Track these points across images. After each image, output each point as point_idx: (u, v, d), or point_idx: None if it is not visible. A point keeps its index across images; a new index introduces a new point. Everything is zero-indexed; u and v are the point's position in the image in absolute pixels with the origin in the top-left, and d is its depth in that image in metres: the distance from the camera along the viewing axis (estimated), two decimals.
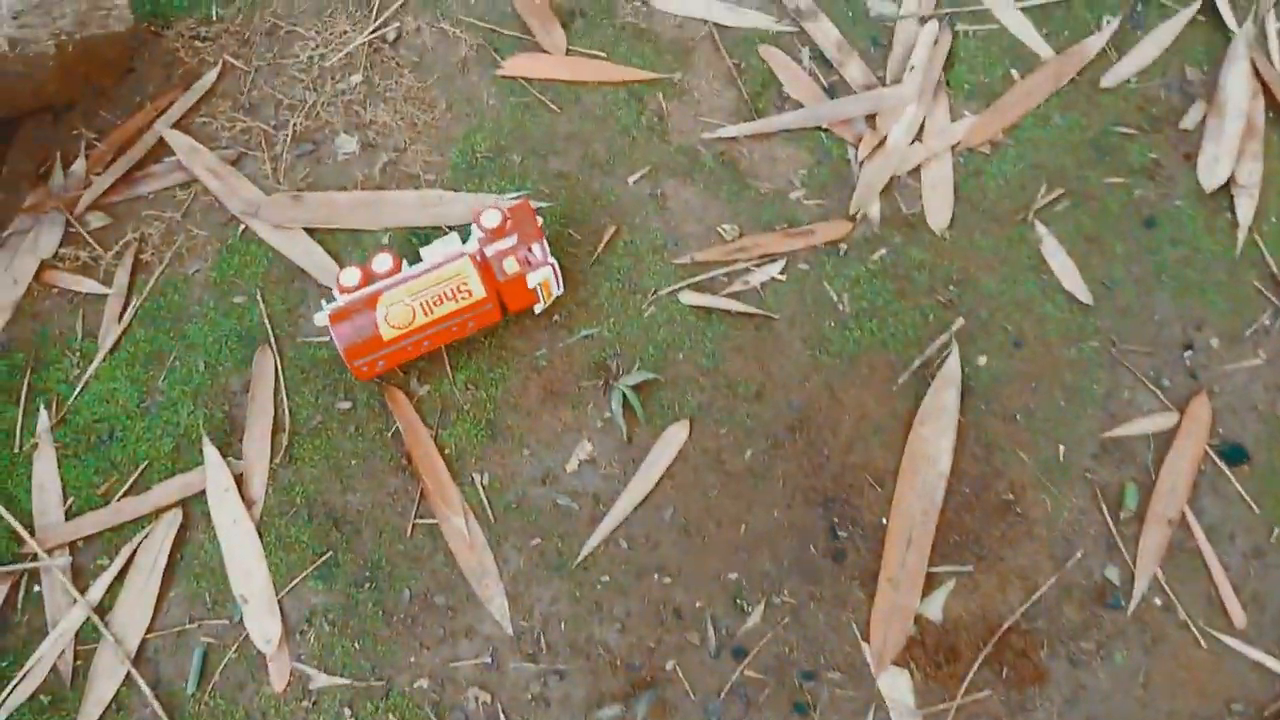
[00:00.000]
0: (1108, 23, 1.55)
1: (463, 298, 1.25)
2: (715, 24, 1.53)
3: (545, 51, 1.51)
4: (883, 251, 1.42)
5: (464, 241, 1.32)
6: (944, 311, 1.38)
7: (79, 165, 1.44)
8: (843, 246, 1.42)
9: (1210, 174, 1.46)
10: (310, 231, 1.40)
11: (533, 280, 1.27)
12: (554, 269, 1.28)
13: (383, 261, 1.27)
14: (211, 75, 1.48)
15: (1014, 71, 1.52)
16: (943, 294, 1.39)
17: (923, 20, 1.55)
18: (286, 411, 1.31)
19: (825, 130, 1.49)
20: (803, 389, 1.34)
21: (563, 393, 1.33)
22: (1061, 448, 1.31)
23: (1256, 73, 1.53)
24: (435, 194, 1.43)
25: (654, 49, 1.52)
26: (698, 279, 1.39)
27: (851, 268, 1.41)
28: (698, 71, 1.52)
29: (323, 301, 1.30)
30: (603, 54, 1.52)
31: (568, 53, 1.52)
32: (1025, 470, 1.29)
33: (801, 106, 1.50)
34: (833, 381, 1.34)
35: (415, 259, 1.35)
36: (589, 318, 1.37)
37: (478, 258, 1.28)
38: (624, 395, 1.31)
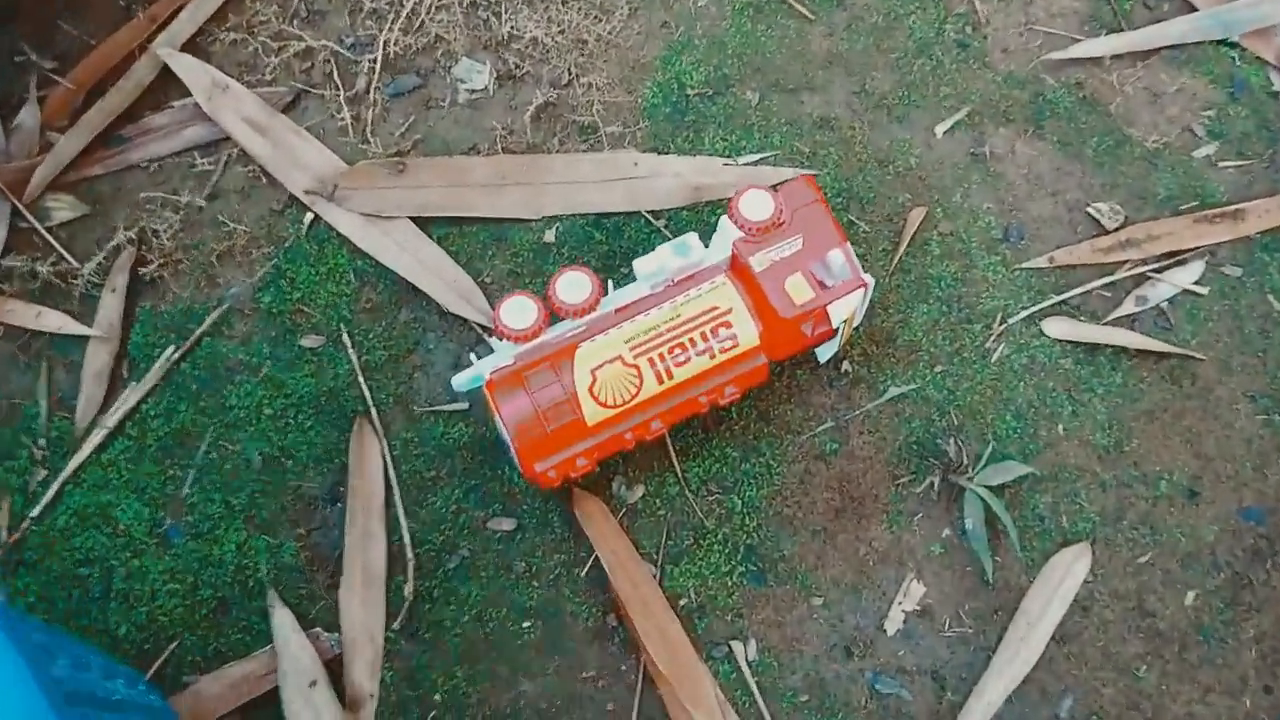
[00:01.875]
0: None
1: (724, 347, 0.70)
2: None
3: None
4: None
5: (705, 246, 0.76)
6: None
7: (28, 115, 0.86)
8: None
9: None
10: (422, 224, 0.84)
11: (838, 313, 0.71)
12: (867, 291, 0.73)
13: (575, 286, 0.71)
14: None
15: None
16: None
17: None
18: (407, 538, 0.76)
19: (1234, 45, 0.92)
20: (1265, 482, 0.79)
21: (868, 495, 0.78)
22: None
23: None
24: (626, 156, 0.86)
25: None
26: (1066, 295, 0.84)
27: None
28: None
29: (470, 354, 0.74)
30: None
31: None
32: None
33: (1193, 9, 0.93)
34: None
35: (621, 277, 0.79)
36: (898, 364, 0.82)
37: (736, 276, 0.73)
38: (980, 501, 0.77)
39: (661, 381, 0.70)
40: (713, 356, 0.71)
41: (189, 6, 0.88)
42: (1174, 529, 0.79)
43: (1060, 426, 0.81)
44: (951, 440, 0.79)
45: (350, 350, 0.81)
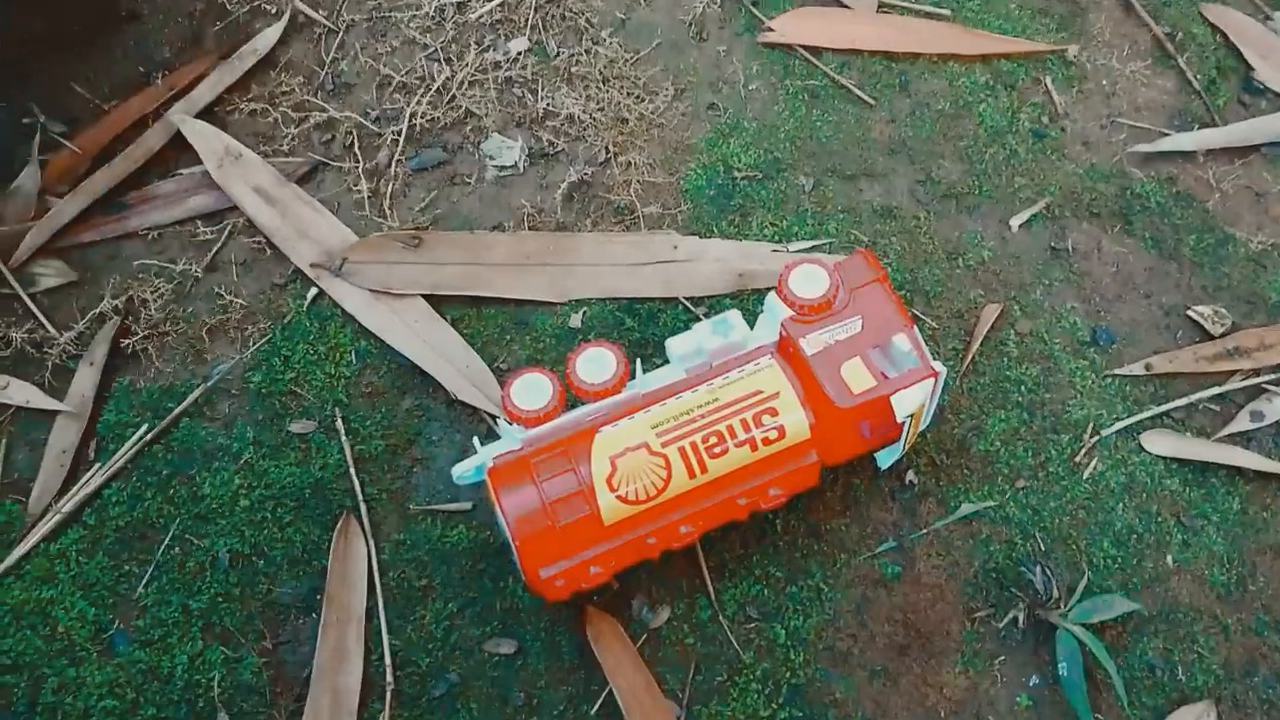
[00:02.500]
0: None
1: (767, 437, 0.59)
2: None
3: (843, 5, 0.87)
4: None
5: (750, 326, 0.66)
6: None
7: (28, 178, 0.80)
8: None
9: None
10: (436, 303, 0.75)
11: (903, 406, 0.60)
12: (938, 383, 0.62)
13: (597, 364, 0.62)
14: (272, 33, 0.85)
15: None
16: None
17: None
18: (388, 657, 0.64)
19: None
20: None
21: (937, 631, 0.65)
22: None
23: None
24: (664, 239, 0.78)
25: (1023, 8, 0.88)
26: (1168, 407, 0.72)
27: None
28: (1103, 42, 0.87)
29: (475, 441, 0.64)
30: (945, 12, 0.87)
31: (880, 9, 0.88)
32: None
33: None
34: None
35: (653, 361, 0.70)
36: (972, 477, 0.70)
37: (785, 359, 0.62)
38: (1075, 642, 0.63)
39: (693, 475, 0.59)
40: (754, 448, 0.60)
41: (211, 75, 0.84)
42: None
43: (1169, 557, 0.68)
44: (1038, 568, 0.67)
45: (343, 438, 0.72)
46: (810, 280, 0.63)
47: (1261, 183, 0.82)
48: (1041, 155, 0.82)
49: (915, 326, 0.63)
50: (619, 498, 0.58)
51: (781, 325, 0.63)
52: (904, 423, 0.63)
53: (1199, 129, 0.84)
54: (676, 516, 0.60)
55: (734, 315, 0.65)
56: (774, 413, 0.60)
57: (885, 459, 0.68)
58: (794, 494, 0.64)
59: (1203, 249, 0.79)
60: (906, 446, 0.67)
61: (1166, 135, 0.83)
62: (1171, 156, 0.82)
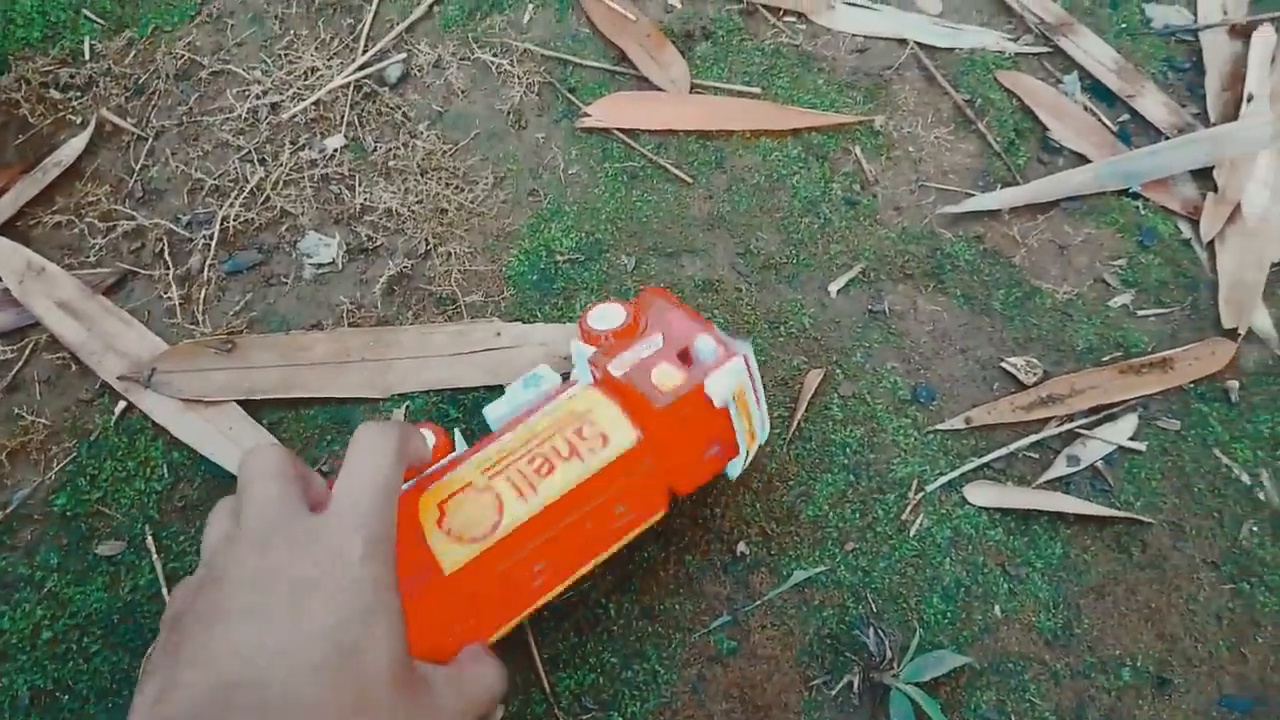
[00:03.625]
0: None
1: (593, 446, 0.58)
2: (918, 43, 0.94)
3: (656, 89, 0.89)
4: None
5: (562, 379, 0.66)
6: None
7: None
8: (1231, 386, 0.78)
9: None
10: (252, 408, 0.73)
11: (718, 390, 0.58)
12: (750, 367, 0.61)
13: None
14: (77, 143, 0.83)
15: None
16: None
17: (1236, 30, 0.97)
18: None
19: (1136, 196, 0.87)
20: (1244, 664, 0.67)
21: (774, 703, 0.65)
22: None
23: None
24: (488, 326, 0.77)
25: (830, 83, 0.92)
26: (988, 458, 0.74)
27: (1260, 421, 0.77)
28: (908, 111, 0.91)
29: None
30: (756, 90, 0.90)
31: (693, 90, 0.90)
32: None
33: (1086, 160, 0.89)
34: None
35: (474, 432, 0.69)
36: (802, 544, 0.70)
37: (599, 387, 0.62)
38: (908, 702, 0.63)
39: (526, 499, 0.56)
40: (582, 458, 0.57)
41: (12, 190, 0.81)
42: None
43: (997, 608, 0.68)
44: (871, 630, 0.67)
45: (154, 556, 0.68)
46: (607, 315, 0.63)
47: (1063, 236, 0.85)
48: (855, 222, 0.85)
49: (715, 327, 0.62)
50: (455, 538, 0.55)
51: (589, 362, 0.62)
52: (736, 425, 0.61)
53: (1002, 188, 0.87)
54: (524, 553, 0.56)
55: (543, 368, 0.65)
56: (593, 423, 0.58)
57: (734, 469, 0.66)
58: (645, 518, 0.61)
59: (1012, 302, 0.82)
60: (749, 456, 0.64)
61: (972, 195, 0.86)
62: (978, 215, 0.86)
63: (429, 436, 0.61)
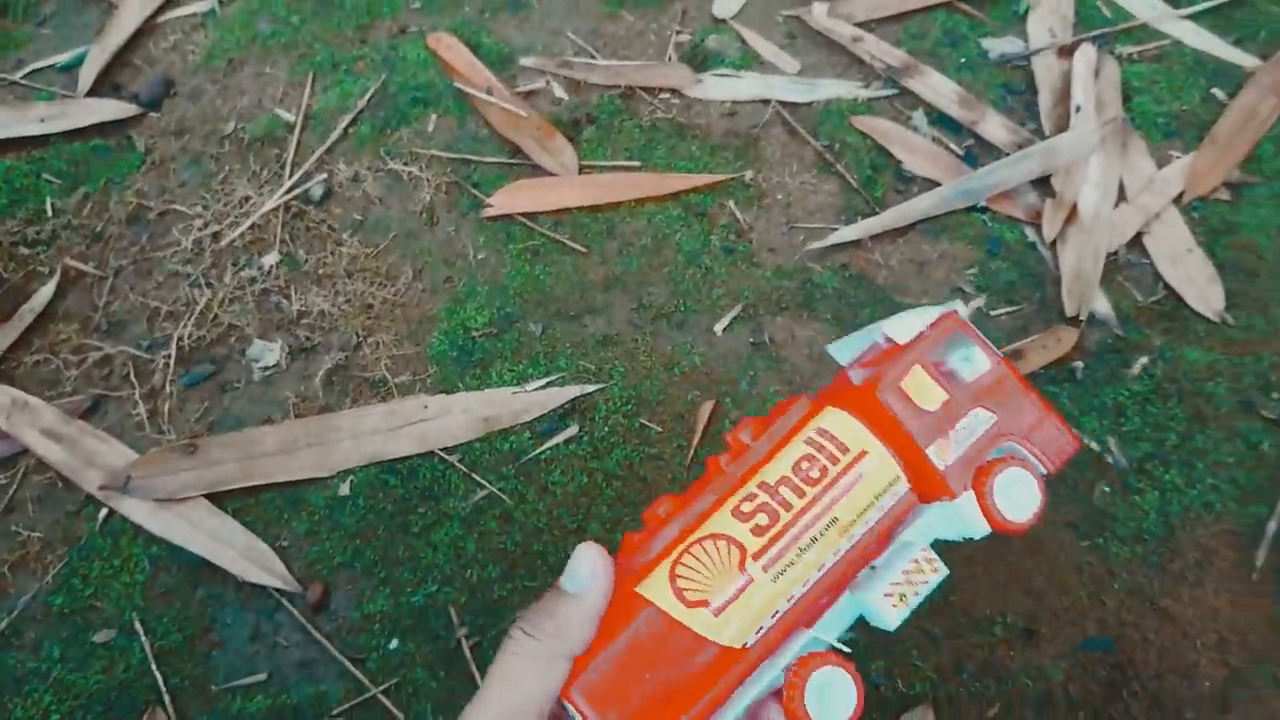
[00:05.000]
0: None
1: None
2: (780, 102, 1.06)
3: (550, 174, 1.01)
4: (1144, 361, 0.88)
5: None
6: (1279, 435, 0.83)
7: None
8: (1077, 366, 0.88)
9: None
10: (217, 500, 0.84)
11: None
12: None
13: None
14: (46, 291, 0.95)
15: (1216, 91, 1.05)
16: (1271, 405, 0.85)
17: (1063, 51, 1.09)
18: None
19: (984, 210, 0.98)
20: (1104, 609, 0.76)
21: None
22: None
23: None
24: (415, 401, 0.88)
25: (704, 147, 1.03)
26: None
27: (1104, 394, 0.86)
28: (775, 164, 1.02)
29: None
30: (636, 164, 1.02)
31: (581, 171, 1.02)
32: None
33: (937, 184, 1.00)
34: (1145, 592, 0.77)
35: (421, 517, 0.79)
36: None
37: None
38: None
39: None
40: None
41: None
42: (1018, 674, 0.74)
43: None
44: None
45: (143, 638, 0.79)
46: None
47: (920, 254, 0.96)
48: (733, 267, 0.95)
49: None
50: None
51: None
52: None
53: (862, 219, 0.98)
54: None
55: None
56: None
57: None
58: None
59: (878, 317, 0.92)
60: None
61: (835, 229, 0.97)
62: (843, 246, 0.96)
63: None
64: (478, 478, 0.85)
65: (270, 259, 0.97)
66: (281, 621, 0.80)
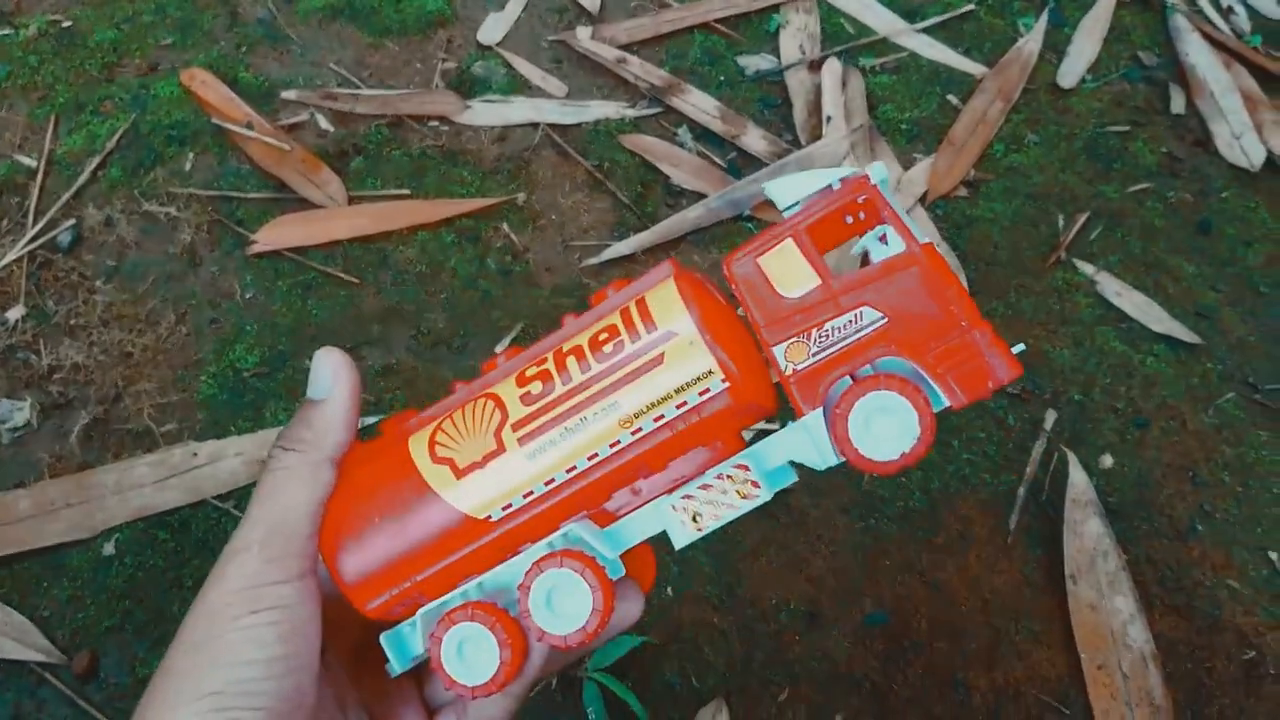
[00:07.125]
0: (1026, 27, 1.21)
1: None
2: (549, 125, 1.07)
3: (317, 207, 0.99)
4: None
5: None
6: (1022, 408, 0.90)
7: None
8: None
9: (1240, 154, 1.10)
10: None
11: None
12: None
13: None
14: None
15: (951, 98, 1.14)
16: (1014, 381, 0.92)
17: (813, 65, 1.15)
18: None
19: (749, 219, 1.03)
20: (878, 585, 0.80)
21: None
22: (1275, 555, 0.83)
23: (1210, 41, 1.22)
24: (184, 450, 0.84)
25: (475, 172, 1.04)
26: None
27: None
28: (548, 186, 1.04)
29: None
30: (406, 192, 1.01)
31: (351, 201, 1.00)
32: (1246, 604, 0.80)
33: (704, 196, 1.04)
34: (915, 565, 0.82)
35: (194, 569, 0.75)
36: None
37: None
38: (595, 686, 0.73)
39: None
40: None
41: None
42: (805, 658, 0.77)
43: (669, 589, 0.79)
44: None
45: None
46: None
47: (693, 264, 0.99)
48: (511, 288, 0.96)
49: None
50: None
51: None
52: None
53: (634, 234, 1.00)
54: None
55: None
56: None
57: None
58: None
59: None
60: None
61: (609, 245, 0.99)
62: (617, 261, 0.99)
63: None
64: None
65: (15, 313, 0.91)
66: (45, 697, 0.75)
